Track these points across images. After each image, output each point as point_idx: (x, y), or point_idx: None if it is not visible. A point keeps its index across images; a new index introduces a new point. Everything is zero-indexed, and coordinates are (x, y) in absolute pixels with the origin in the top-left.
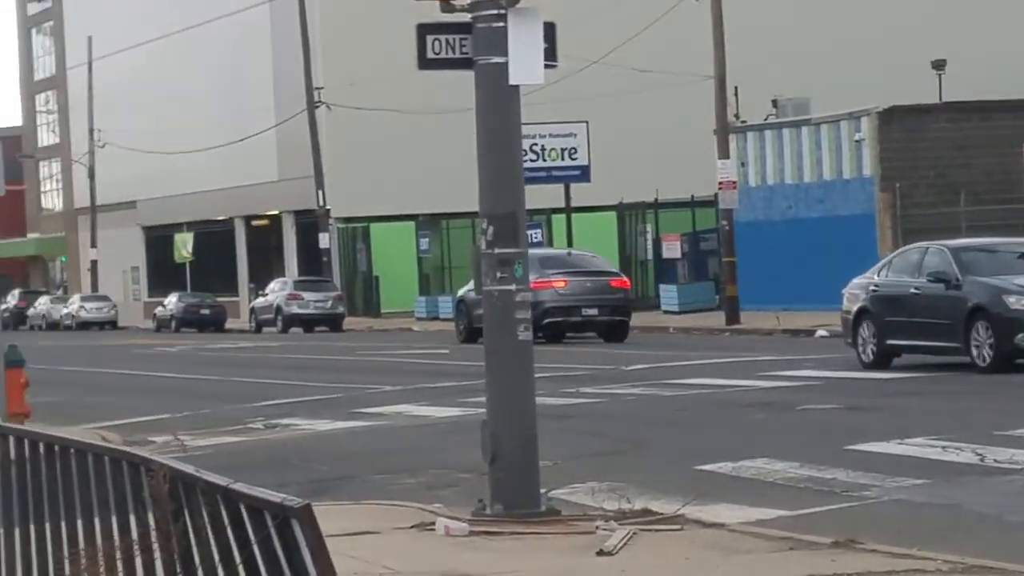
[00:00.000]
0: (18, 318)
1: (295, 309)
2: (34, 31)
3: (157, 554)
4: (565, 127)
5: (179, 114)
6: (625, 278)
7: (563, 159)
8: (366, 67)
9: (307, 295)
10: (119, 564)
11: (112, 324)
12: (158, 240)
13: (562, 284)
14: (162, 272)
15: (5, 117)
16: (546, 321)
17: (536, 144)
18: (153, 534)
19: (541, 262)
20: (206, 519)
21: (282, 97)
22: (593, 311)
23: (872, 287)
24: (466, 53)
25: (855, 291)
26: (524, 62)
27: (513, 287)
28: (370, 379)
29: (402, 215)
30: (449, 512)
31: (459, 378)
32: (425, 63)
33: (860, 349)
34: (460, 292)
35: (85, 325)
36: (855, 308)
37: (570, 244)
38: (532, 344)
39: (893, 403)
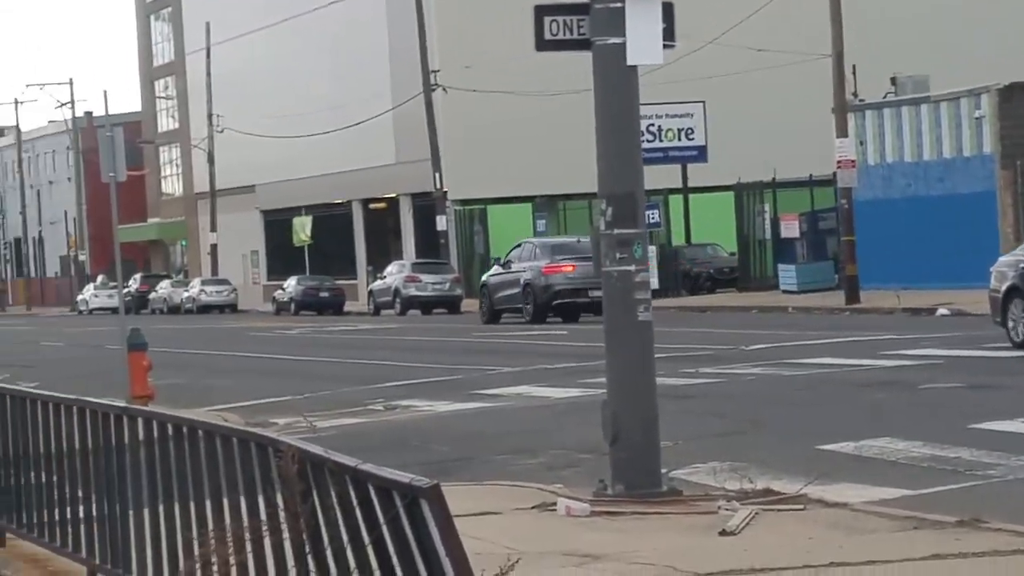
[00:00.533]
0: (140, 302)
1: (413, 291)
2: (153, 18)
3: (286, 534)
4: (682, 107)
5: (296, 98)
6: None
7: (680, 139)
8: (482, 49)
9: (425, 277)
10: (247, 544)
11: (232, 307)
12: (277, 224)
13: (570, 269)
14: (281, 255)
15: (125, 103)
16: (556, 302)
17: (653, 125)
18: (281, 515)
19: (552, 249)
20: (334, 499)
21: (399, 80)
22: (599, 292)
23: (1022, 264)
24: (584, 34)
25: (1003, 269)
26: (642, 42)
27: (632, 267)
28: (488, 360)
29: (519, 196)
30: (570, 492)
31: (577, 359)
32: (543, 44)
33: (1011, 328)
34: (484, 277)
35: (205, 308)
36: (1004, 286)
37: (687, 225)
38: (652, 324)
39: (1018, 382)
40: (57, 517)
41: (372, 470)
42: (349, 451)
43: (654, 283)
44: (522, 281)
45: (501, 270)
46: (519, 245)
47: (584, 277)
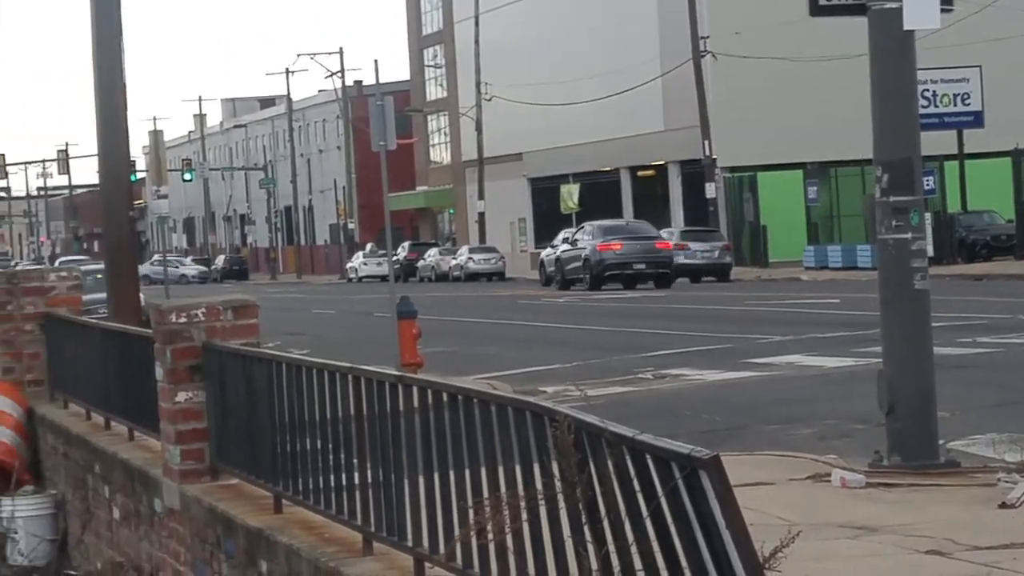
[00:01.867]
0: (408, 270)
1: (682, 259)
2: None
3: (561, 504)
4: (958, 72)
5: (564, 66)
6: (668, 241)
7: (955, 104)
8: (752, 15)
9: (694, 245)
10: (523, 513)
11: (500, 275)
12: (544, 191)
13: (619, 246)
14: (548, 223)
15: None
16: (607, 273)
17: (928, 90)
18: (557, 484)
19: (605, 230)
20: (611, 469)
21: (667, 47)
22: (641, 266)
23: None
24: None
25: None
26: (919, 6)
27: (909, 235)
28: (759, 329)
29: (789, 164)
30: (844, 463)
31: (851, 328)
32: (817, 10)
33: None
34: (557, 252)
35: (473, 276)
36: None
37: (963, 192)
38: (928, 293)
39: None
40: (332, 484)
41: (650, 440)
42: (618, 420)
43: (929, 251)
44: (583, 256)
45: (570, 247)
46: (582, 227)
47: (629, 253)
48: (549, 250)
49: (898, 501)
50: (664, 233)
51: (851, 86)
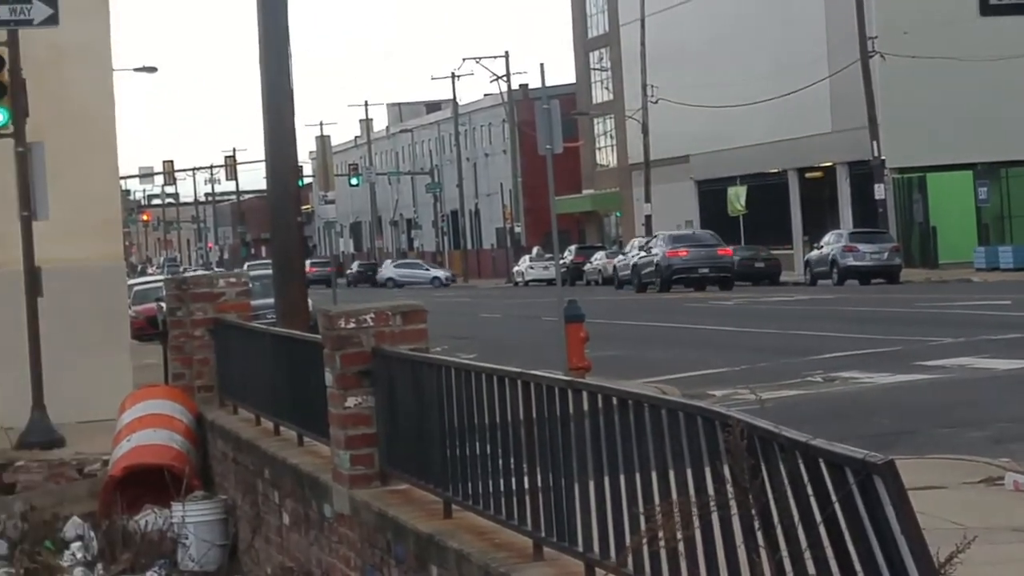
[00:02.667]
0: (575, 273)
1: (851, 261)
2: None
3: (733, 510)
4: None
5: (730, 67)
6: (729, 248)
7: None
8: (920, 14)
9: (863, 247)
10: (695, 519)
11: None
12: (711, 194)
13: (684, 253)
14: (716, 225)
15: (560, 76)
16: (674, 277)
17: None
18: (729, 490)
19: (673, 239)
20: (784, 475)
21: (835, 47)
22: (705, 270)
23: None
24: None
25: None
26: None
27: None
28: (930, 331)
29: (959, 164)
30: (1018, 467)
31: (1023, 329)
32: (987, 9)
33: None
34: (633, 259)
35: None
36: None
37: None
38: None
39: None
40: (502, 489)
41: (823, 445)
42: (788, 423)
43: None
44: (654, 262)
45: (645, 254)
46: (656, 235)
47: (695, 259)
48: (621, 257)
49: None
50: (832, 236)
51: (1021, 85)
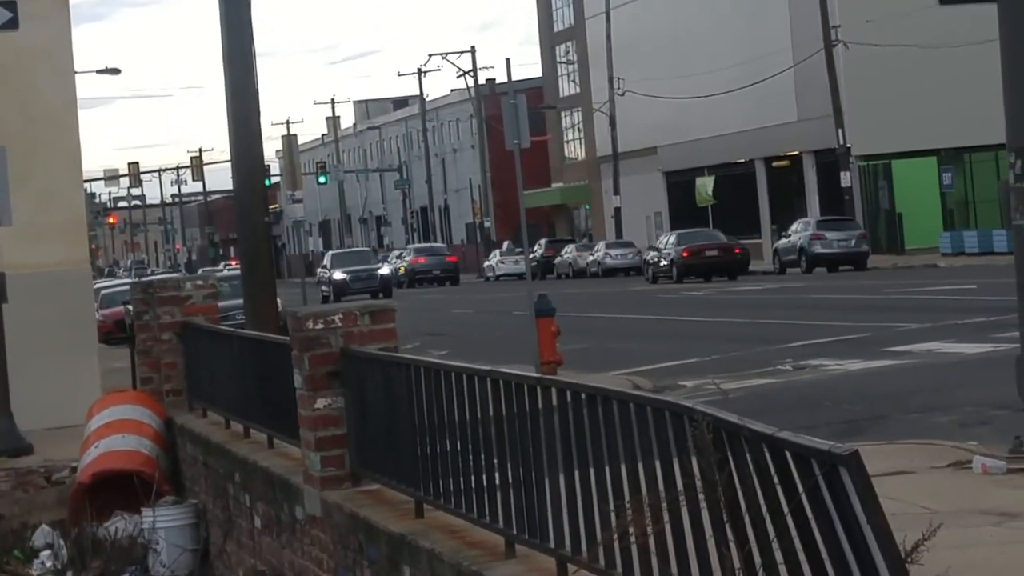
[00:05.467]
0: (545, 267)
1: (819, 249)
2: None
3: (702, 503)
4: None
5: (696, 58)
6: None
7: None
8: (882, 3)
9: (830, 234)
10: (664, 514)
11: (637, 270)
12: (679, 185)
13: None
14: (684, 216)
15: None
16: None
17: None
18: (697, 484)
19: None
20: (751, 467)
21: (799, 37)
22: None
23: None
24: None
25: None
26: None
27: None
28: (897, 317)
29: (923, 150)
30: (985, 450)
31: (989, 313)
32: None
33: None
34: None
35: (611, 272)
36: None
37: None
38: None
39: None
40: (473, 488)
41: (789, 437)
42: (758, 413)
43: None
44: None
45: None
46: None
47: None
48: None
49: None
50: (799, 224)
51: (984, 71)
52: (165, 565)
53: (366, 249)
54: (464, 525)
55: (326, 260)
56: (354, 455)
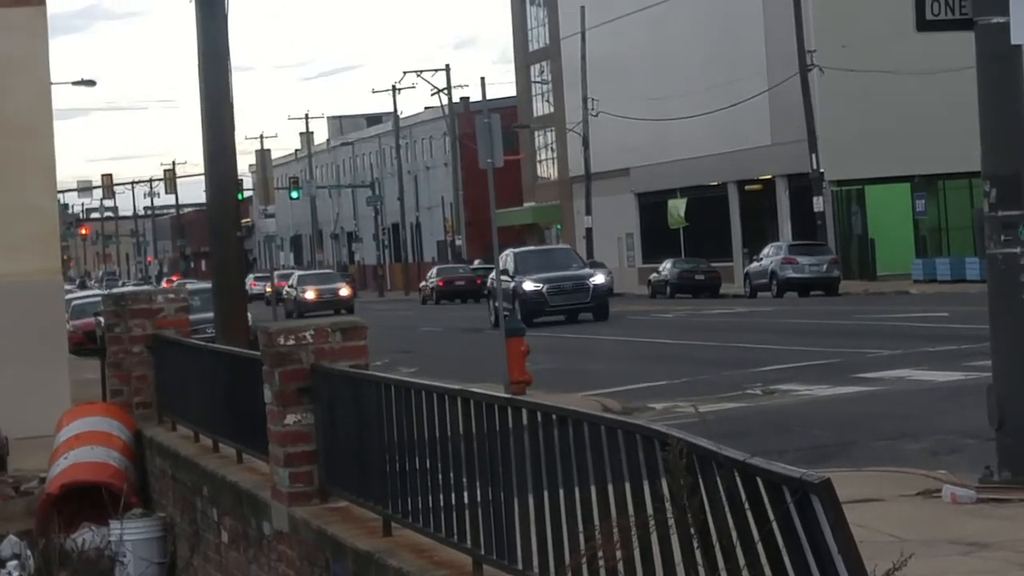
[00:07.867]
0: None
1: (790, 273)
2: (528, 3)
3: (672, 528)
4: None
5: (671, 81)
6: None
7: None
8: (859, 29)
9: (802, 259)
10: (634, 538)
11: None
12: (651, 206)
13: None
14: (656, 238)
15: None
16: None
17: None
18: (668, 508)
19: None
20: (722, 493)
21: (774, 61)
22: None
23: None
24: (966, 13)
25: None
26: None
27: (1018, 250)
28: (868, 343)
29: (897, 177)
30: (955, 479)
31: (960, 341)
32: (924, 24)
33: None
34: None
35: None
36: None
37: None
38: None
39: None
40: (442, 507)
41: (761, 464)
42: (728, 437)
43: None
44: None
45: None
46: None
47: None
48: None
49: (1009, 516)
50: (771, 248)
51: (959, 99)
52: None
53: (332, 271)
54: (432, 544)
55: (292, 280)
56: (323, 471)
